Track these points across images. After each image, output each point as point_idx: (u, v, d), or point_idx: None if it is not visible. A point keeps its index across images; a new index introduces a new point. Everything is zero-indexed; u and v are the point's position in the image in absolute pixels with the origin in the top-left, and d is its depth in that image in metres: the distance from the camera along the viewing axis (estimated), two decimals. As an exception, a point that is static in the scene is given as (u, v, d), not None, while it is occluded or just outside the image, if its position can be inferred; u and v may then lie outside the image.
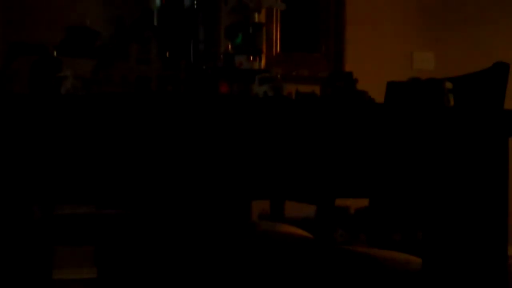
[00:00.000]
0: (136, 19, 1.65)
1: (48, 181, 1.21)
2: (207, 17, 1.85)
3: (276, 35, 3.98)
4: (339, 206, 3.46)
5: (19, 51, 1.64)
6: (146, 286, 2.08)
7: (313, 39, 4.08)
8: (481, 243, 1.45)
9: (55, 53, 1.57)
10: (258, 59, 1.73)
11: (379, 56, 4.11)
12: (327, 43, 4.09)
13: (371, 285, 1.68)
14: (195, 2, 1.86)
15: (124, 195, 1.29)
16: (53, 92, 1.35)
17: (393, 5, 4.22)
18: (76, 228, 2.16)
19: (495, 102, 1.78)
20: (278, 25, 4.00)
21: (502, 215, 1.46)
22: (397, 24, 4.21)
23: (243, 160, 1.30)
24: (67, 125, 1.20)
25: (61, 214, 2.23)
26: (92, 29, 1.65)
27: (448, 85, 1.51)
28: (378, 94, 1.74)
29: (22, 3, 3.60)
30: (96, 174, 1.23)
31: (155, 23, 1.86)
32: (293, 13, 3.99)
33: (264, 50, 1.85)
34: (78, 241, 2.24)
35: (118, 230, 2.14)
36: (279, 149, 1.32)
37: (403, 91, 1.84)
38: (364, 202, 2.20)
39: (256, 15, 1.85)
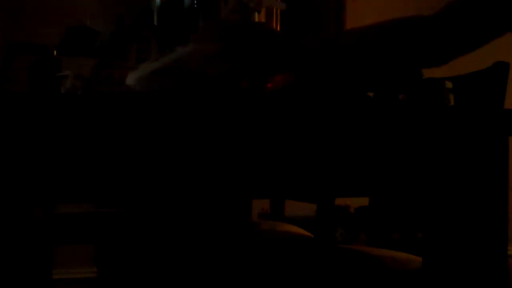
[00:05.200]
0: (136, 19, 1.65)
1: (48, 180, 1.21)
2: (207, 17, 1.85)
3: (276, 34, 3.98)
4: (339, 205, 3.46)
5: (19, 51, 1.64)
6: (146, 286, 2.08)
7: (313, 38, 4.08)
8: (481, 243, 1.45)
9: (55, 53, 1.57)
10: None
11: (379, 56, 4.10)
12: (327, 43, 4.08)
13: (371, 284, 1.68)
14: (195, 1, 1.86)
15: (124, 194, 1.29)
16: (53, 91, 1.35)
17: (393, 5, 4.22)
18: (76, 227, 2.16)
19: (495, 101, 1.78)
20: (278, 25, 3.99)
21: (502, 214, 1.46)
22: (397, 24, 4.21)
23: (243, 158, 1.30)
24: (67, 124, 1.20)
25: (61, 213, 2.23)
26: (92, 29, 1.65)
27: (448, 84, 1.51)
28: (378, 94, 1.74)
29: (22, 3, 3.60)
30: (96, 174, 1.23)
31: (155, 23, 1.86)
32: (293, 13, 3.99)
33: (264, 49, 1.84)
34: (78, 240, 2.24)
35: (118, 229, 2.14)
36: (279, 148, 1.32)
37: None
38: (364, 201, 2.20)
39: (256, 15, 1.85)
